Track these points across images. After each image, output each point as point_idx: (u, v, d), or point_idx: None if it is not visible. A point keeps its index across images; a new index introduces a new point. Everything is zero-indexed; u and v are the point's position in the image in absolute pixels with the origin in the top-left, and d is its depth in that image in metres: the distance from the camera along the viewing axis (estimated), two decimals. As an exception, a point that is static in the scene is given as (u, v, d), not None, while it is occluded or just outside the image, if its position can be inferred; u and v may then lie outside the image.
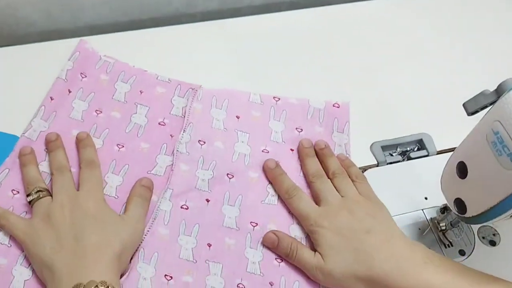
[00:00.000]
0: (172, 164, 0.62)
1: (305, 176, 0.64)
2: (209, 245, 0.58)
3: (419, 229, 0.62)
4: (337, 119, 0.68)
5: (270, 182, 0.63)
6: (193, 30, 0.77)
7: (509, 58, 0.80)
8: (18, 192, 0.58)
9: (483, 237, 0.62)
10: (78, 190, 0.58)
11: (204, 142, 0.64)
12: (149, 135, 0.64)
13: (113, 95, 0.67)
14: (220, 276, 0.56)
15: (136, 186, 0.60)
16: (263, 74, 0.73)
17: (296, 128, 0.67)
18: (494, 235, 0.62)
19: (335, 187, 0.61)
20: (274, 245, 0.58)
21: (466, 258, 0.61)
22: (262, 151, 0.65)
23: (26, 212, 0.57)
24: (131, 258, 0.56)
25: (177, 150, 0.63)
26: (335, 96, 0.70)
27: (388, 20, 0.82)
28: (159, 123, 0.65)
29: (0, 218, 0.55)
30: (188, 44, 0.75)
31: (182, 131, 0.64)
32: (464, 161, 0.50)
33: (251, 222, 0.59)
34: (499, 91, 0.47)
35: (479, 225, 0.63)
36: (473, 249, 0.61)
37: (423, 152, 0.68)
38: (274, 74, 0.73)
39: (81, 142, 0.62)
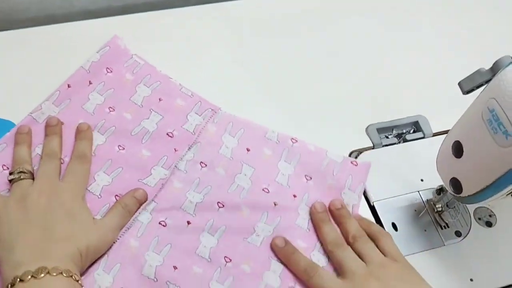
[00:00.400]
0: (166, 178, 0.60)
1: (322, 244, 0.58)
2: (175, 267, 0.55)
3: (415, 210, 0.62)
4: (352, 177, 0.62)
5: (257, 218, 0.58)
6: (188, 14, 0.76)
7: (504, 36, 0.79)
8: (8, 168, 0.58)
9: (479, 218, 0.62)
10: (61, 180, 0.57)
11: (206, 165, 0.61)
12: (153, 144, 0.62)
13: (131, 97, 0.65)
14: None
15: (127, 195, 0.58)
16: (259, 60, 0.73)
17: (305, 175, 0.62)
18: (490, 216, 0.62)
19: (357, 253, 0.56)
20: (281, 255, 0.56)
21: (463, 239, 0.61)
22: (263, 189, 0.60)
23: (8, 190, 0.56)
24: (91, 264, 0.54)
25: (175, 166, 0.61)
26: (331, 78, 0.69)
27: (383, 2, 0.82)
28: (167, 134, 0.63)
29: None
30: (182, 28, 0.74)
31: (187, 148, 0.62)
32: (460, 140, 0.50)
33: (225, 257, 0.56)
34: (495, 69, 0.47)
35: (475, 206, 0.63)
36: (469, 230, 0.61)
37: (419, 134, 0.68)
38: (270, 59, 0.73)
39: (80, 133, 0.61)
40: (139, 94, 0.66)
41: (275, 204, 0.59)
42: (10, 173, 0.56)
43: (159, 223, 0.57)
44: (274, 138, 0.64)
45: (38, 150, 0.60)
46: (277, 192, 0.60)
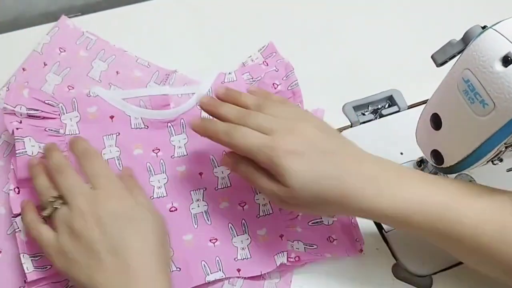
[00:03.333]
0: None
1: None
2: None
3: (398, 184, 0.63)
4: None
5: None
6: (151, 7, 0.75)
7: (474, 5, 0.80)
8: None
9: (460, 185, 0.63)
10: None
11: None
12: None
13: (89, 72, 0.65)
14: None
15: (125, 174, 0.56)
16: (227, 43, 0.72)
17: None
18: (470, 181, 0.63)
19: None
20: (228, 164, 0.54)
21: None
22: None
23: None
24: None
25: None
26: (301, 59, 0.69)
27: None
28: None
29: (30, 229, 0.50)
30: (147, 22, 0.73)
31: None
32: (438, 113, 0.50)
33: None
34: (466, 40, 0.47)
35: (456, 175, 0.64)
36: (452, 197, 0.62)
37: (394, 108, 0.68)
38: (241, 40, 0.72)
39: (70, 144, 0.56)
40: (96, 69, 0.66)
41: None
42: (43, 209, 0.50)
43: None
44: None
45: (4, 137, 0.60)
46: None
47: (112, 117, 0.62)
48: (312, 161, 0.48)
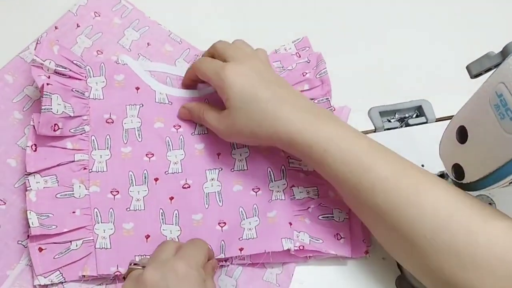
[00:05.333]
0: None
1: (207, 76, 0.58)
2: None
3: (414, 196, 0.61)
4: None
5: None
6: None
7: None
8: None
9: (479, 206, 0.61)
10: None
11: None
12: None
13: (120, 40, 0.66)
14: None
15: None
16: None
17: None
18: (490, 204, 0.61)
19: None
20: (187, 116, 0.61)
21: (461, 227, 0.60)
22: None
23: None
24: None
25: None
26: (333, 56, 0.68)
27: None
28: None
29: None
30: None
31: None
32: (465, 125, 0.48)
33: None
34: (504, 53, 0.46)
35: (476, 194, 0.61)
36: (468, 218, 0.60)
37: (422, 119, 0.67)
38: (276, 29, 0.72)
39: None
40: (127, 37, 0.66)
41: None
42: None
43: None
44: None
45: (26, 91, 0.60)
46: None
47: (137, 88, 0.61)
48: (252, 80, 0.55)
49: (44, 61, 0.57)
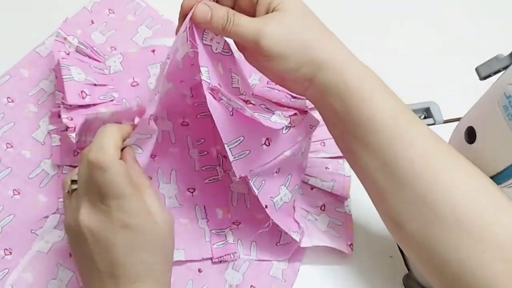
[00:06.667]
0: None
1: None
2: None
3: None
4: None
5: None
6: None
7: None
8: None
9: (485, 208, 0.62)
10: None
11: None
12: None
13: (133, 37, 0.67)
14: None
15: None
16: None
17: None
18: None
19: None
20: (206, 19, 0.45)
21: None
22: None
23: None
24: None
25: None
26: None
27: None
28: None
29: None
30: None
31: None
32: (473, 126, 0.49)
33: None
34: (514, 55, 0.46)
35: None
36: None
37: (430, 121, 0.67)
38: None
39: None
40: (141, 34, 0.67)
41: None
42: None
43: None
44: None
45: (41, 84, 0.61)
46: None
47: (153, 50, 0.63)
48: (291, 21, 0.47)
49: (68, 36, 0.59)
